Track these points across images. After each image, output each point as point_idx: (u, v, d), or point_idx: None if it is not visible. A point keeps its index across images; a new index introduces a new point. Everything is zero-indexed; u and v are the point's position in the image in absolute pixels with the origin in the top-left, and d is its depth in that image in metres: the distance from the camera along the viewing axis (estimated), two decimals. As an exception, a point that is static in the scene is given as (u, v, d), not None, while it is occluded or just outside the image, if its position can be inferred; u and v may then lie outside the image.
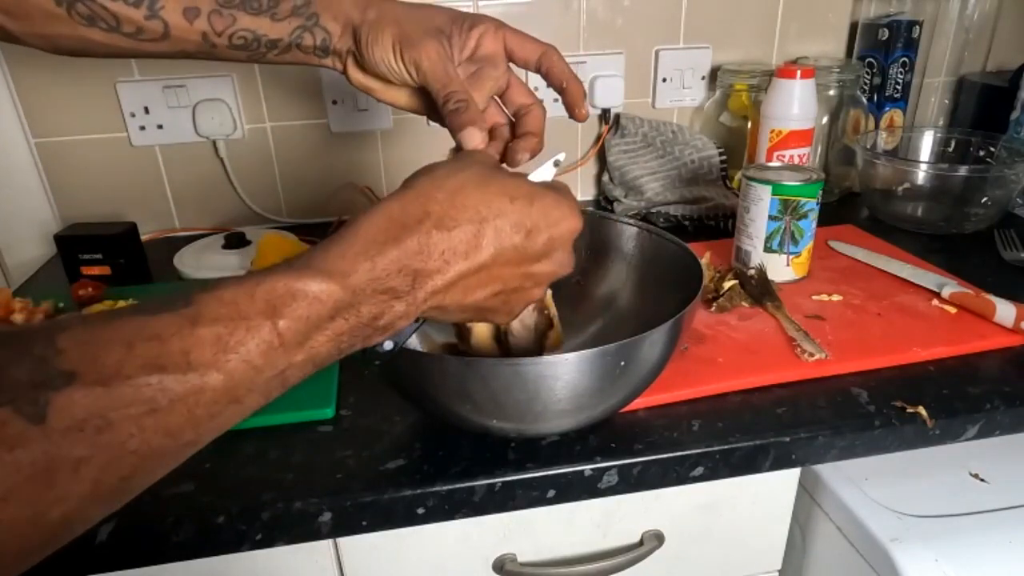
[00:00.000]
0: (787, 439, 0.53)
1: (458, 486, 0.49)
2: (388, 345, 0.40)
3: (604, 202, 1.03)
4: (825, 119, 0.98)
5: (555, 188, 0.40)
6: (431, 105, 0.50)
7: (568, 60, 0.52)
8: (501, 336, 0.54)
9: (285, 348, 0.31)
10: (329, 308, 0.32)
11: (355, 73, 0.51)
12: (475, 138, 0.45)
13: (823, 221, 0.77)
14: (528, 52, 0.51)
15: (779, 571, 0.65)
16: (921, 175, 0.91)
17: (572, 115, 0.52)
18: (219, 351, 0.29)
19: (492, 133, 0.52)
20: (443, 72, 0.47)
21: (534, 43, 0.51)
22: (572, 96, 0.51)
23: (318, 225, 0.99)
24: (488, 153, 0.46)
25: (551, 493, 0.51)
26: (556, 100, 0.52)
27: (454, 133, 0.46)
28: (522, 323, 0.53)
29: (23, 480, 0.24)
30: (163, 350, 0.28)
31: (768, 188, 0.71)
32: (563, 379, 0.45)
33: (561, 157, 0.46)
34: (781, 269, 0.74)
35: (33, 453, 0.24)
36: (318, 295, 0.32)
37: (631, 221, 0.62)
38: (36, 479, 0.24)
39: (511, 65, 0.52)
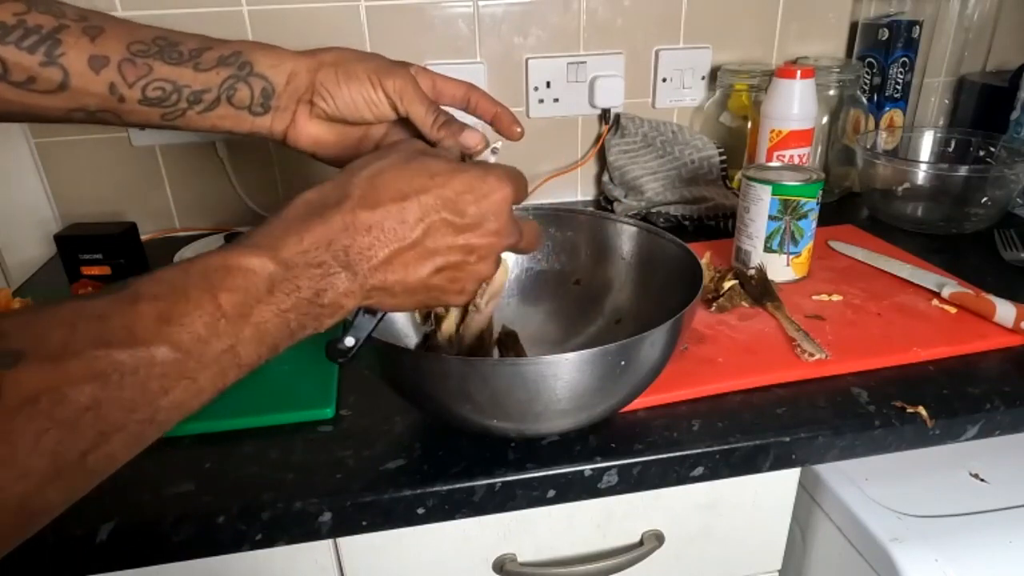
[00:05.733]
0: (787, 439, 0.53)
1: (458, 486, 0.49)
2: (350, 341, 0.41)
3: (604, 202, 1.03)
4: (825, 119, 0.98)
5: (481, 165, 0.41)
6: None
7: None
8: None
9: (228, 320, 0.31)
10: (264, 280, 0.33)
11: (307, 125, 0.49)
12: (476, 136, 0.48)
13: (823, 221, 0.77)
14: (456, 91, 0.52)
15: (779, 571, 0.65)
16: (921, 175, 0.91)
17: (509, 138, 0.53)
18: (162, 324, 0.29)
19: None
20: (424, 95, 0.48)
21: (458, 83, 0.53)
22: (502, 121, 0.52)
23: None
24: (415, 140, 0.47)
25: (551, 493, 0.51)
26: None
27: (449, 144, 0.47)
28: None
29: None
30: (106, 326, 0.28)
31: (768, 188, 0.71)
32: (563, 379, 0.45)
33: (499, 145, 0.48)
34: (781, 269, 0.74)
35: None
36: (252, 267, 0.33)
37: (631, 221, 0.62)
38: None
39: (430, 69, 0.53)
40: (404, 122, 0.50)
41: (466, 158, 0.48)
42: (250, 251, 0.33)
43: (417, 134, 0.49)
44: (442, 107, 0.49)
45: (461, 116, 0.51)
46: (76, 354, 0.27)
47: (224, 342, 0.31)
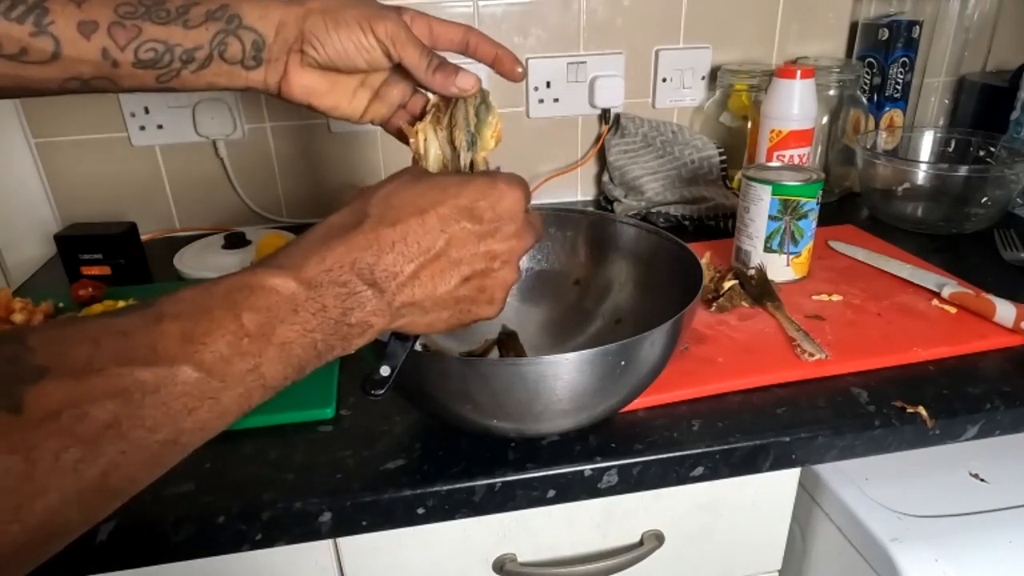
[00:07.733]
0: (787, 439, 0.53)
1: (458, 486, 0.49)
2: (385, 371, 0.41)
3: (604, 202, 1.03)
4: (825, 119, 0.98)
5: (486, 173, 0.42)
6: (372, 100, 0.51)
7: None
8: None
9: (252, 339, 0.31)
10: (287, 299, 0.33)
11: (299, 76, 0.48)
12: (471, 78, 0.48)
13: (823, 221, 0.77)
14: (453, 34, 0.51)
15: (779, 571, 0.65)
16: (921, 175, 0.91)
17: (511, 79, 0.52)
18: (186, 343, 0.29)
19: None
20: (416, 39, 0.47)
21: (456, 26, 0.52)
22: (504, 63, 0.51)
23: (318, 225, 0.99)
24: (418, 165, 0.47)
25: (551, 493, 0.51)
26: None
27: (445, 89, 0.47)
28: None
29: (3, 470, 0.24)
30: (129, 344, 0.28)
31: (768, 188, 0.71)
32: (564, 379, 0.45)
33: (499, 167, 0.47)
34: (781, 269, 0.74)
35: (12, 442, 0.24)
36: (274, 286, 0.33)
37: (631, 221, 0.62)
38: (16, 468, 0.24)
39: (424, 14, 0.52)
40: (399, 69, 0.49)
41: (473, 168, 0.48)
42: (273, 271, 0.33)
43: (412, 80, 0.48)
44: (434, 54, 0.48)
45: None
46: (99, 371, 0.27)
47: (248, 362, 0.31)
